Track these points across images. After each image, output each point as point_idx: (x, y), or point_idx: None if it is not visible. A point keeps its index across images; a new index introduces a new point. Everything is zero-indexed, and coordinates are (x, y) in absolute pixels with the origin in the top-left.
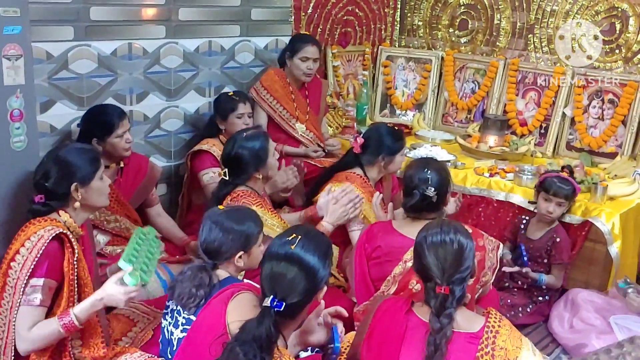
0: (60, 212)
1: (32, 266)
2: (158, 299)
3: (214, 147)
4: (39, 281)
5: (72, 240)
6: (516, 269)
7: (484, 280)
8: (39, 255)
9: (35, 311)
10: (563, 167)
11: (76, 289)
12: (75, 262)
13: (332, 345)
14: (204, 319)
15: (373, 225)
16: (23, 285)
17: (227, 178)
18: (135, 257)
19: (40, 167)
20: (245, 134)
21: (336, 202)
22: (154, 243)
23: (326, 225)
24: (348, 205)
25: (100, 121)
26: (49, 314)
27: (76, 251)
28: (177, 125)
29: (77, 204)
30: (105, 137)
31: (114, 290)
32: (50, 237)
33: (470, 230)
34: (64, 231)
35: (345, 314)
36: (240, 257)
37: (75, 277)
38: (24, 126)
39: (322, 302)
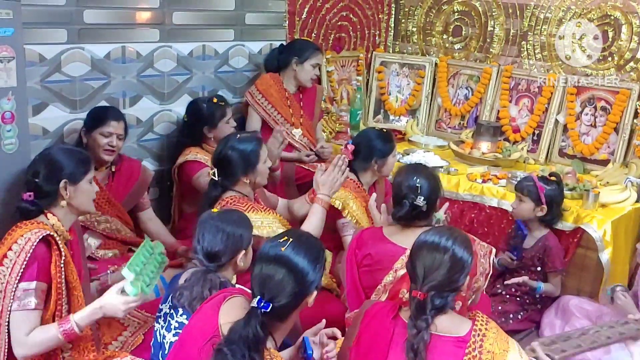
0: (48, 215)
1: (22, 270)
2: (149, 303)
3: (198, 154)
4: (30, 284)
5: (60, 242)
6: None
7: (476, 286)
8: (27, 259)
9: (32, 315)
10: (551, 174)
11: (65, 292)
12: (62, 265)
13: (304, 355)
14: (196, 323)
15: (364, 231)
16: (13, 290)
17: (216, 178)
18: (139, 267)
19: (31, 165)
20: (239, 135)
21: (322, 173)
22: (160, 258)
23: (322, 197)
24: (335, 170)
25: (94, 112)
26: None
27: (63, 254)
28: (170, 129)
29: (63, 202)
30: (92, 129)
31: (114, 300)
32: (37, 240)
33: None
34: (51, 233)
35: (340, 335)
36: (241, 257)
37: (63, 281)
38: (16, 129)
39: (323, 321)
